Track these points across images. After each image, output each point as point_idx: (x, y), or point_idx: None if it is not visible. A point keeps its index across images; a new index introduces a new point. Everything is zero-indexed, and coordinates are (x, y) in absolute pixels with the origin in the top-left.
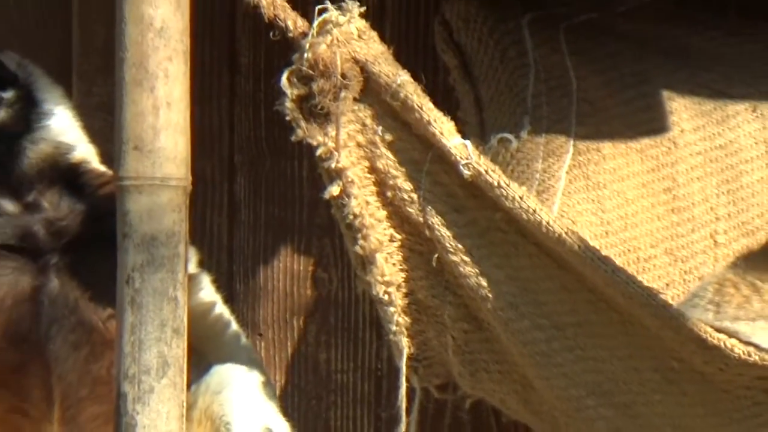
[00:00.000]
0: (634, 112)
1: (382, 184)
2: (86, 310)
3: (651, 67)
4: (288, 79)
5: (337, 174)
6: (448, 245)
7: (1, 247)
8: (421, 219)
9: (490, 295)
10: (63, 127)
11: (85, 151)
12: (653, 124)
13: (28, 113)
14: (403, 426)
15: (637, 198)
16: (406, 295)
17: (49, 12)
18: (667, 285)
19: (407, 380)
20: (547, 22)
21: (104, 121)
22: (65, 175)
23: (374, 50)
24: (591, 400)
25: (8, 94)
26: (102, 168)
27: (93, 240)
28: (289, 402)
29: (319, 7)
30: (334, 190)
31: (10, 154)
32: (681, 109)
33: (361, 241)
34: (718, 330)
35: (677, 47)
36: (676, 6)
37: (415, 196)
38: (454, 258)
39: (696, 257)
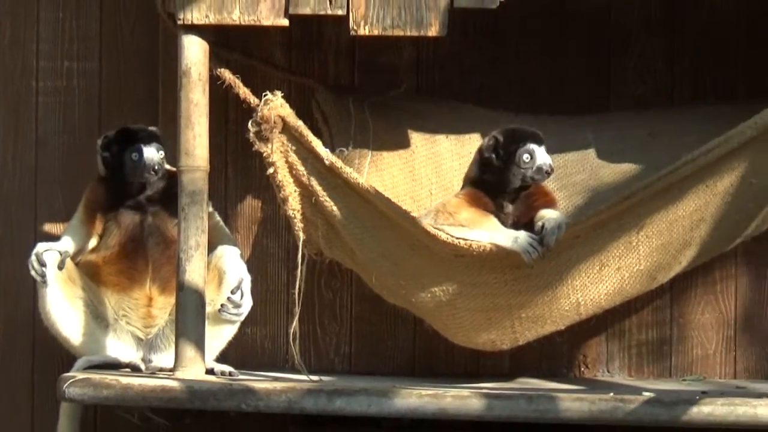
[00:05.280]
0: (397, 139)
1: (291, 167)
2: (164, 228)
3: (405, 120)
4: (251, 123)
5: (272, 164)
6: (319, 193)
7: (126, 206)
8: (307, 182)
9: (336, 214)
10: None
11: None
12: (404, 144)
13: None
14: (299, 271)
15: (399, 176)
16: (301, 214)
17: (144, 100)
18: (410, 210)
19: (302, 251)
20: (359, 100)
21: (173, 143)
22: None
23: (287, 112)
24: (380, 258)
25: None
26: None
27: (166, 197)
28: (249, 264)
29: (264, 94)
30: (271, 170)
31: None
32: (416, 137)
33: (282, 192)
34: (435, 227)
35: (413, 110)
36: (417, 93)
37: (305, 172)
38: (321, 199)
39: (422, 199)
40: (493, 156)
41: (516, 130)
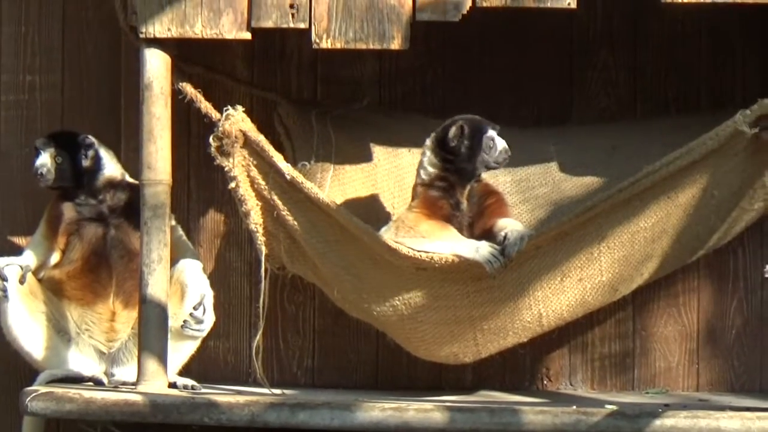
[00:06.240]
0: (359, 152)
1: (252, 181)
2: (127, 241)
3: (368, 134)
4: (213, 138)
5: (233, 178)
6: (280, 207)
7: (88, 218)
8: (269, 196)
9: (297, 229)
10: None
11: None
12: (366, 157)
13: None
14: (262, 285)
15: (361, 189)
16: (264, 228)
17: (109, 114)
18: (373, 224)
19: (264, 265)
20: (322, 114)
21: (136, 156)
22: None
23: (248, 126)
24: (343, 272)
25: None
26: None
27: (129, 210)
28: (211, 277)
29: (225, 108)
30: (233, 184)
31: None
32: (378, 151)
33: (244, 206)
34: (395, 242)
35: (376, 123)
36: (380, 107)
37: (266, 186)
38: (283, 213)
39: (384, 212)
40: (458, 144)
41: (474, 118)
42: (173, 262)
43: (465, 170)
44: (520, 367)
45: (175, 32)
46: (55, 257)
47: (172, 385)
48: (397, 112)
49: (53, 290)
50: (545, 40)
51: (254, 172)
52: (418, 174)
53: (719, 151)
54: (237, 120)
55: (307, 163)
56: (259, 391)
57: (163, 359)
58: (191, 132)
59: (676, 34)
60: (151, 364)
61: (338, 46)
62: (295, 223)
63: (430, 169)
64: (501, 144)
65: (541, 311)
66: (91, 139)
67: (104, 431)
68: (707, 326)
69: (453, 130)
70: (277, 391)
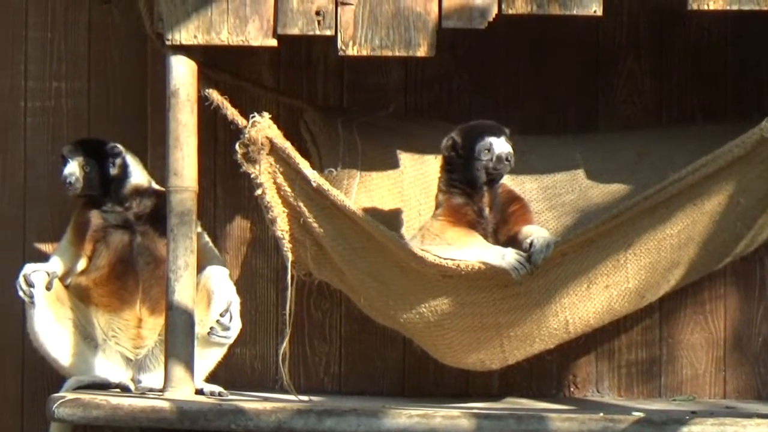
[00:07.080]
0: (385, 159)
1: (279, 188)
2: (153, 248)
3: (394, 141)
4: (239, 145)
5: (260, 185)
6: (306, 214)
7: (114, 225)
8: (295, 203)
9: (324, 236)
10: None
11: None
12: (393, 164)
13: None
14: (288, 291)
15: (388, 195)
16: (290, 235)
17: (135, 121)
18: (400, 231)
19: (291, 271)
20: (348, 121)
21: (162, 163)
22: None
23: (274, 133)
24: (368, 279)
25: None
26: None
27: (155, 217)
28: (238, 284)
29: (251, 115)
30: (259, 191)
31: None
32: (405, 158)
33: (271, 213)
34: (421, 249)
35: (402, 130)
36: (406, 114)
37: (292, 193)
38: (309, 220)
39: (411, 219)
40: (454, 155)
41: (472, 126)
42: (200, 268)
43: (467, 178)
44: (547, 374)
45: (201, 39)
46: (81, 264)
47: (199, 392)
48: (423, 119)
49: (80, 297)
50: (571, 47)
51: (280, 179)
52: (438, 180)
53: (745, 158)
54: (263, 127)
55: (333, 169)
56: (285, 397)
57: (190, 366)
58: (218, 139)
59: (702, 42)
60: (178, 371)
61: (364, 53)
62: (321, 230)
63: (444, 180)
64: (500, 149)
65: (567, 318)
66: (119, 147)
67: None
68: (734, 333)
69: (444, 143)
70: (304, 398)
